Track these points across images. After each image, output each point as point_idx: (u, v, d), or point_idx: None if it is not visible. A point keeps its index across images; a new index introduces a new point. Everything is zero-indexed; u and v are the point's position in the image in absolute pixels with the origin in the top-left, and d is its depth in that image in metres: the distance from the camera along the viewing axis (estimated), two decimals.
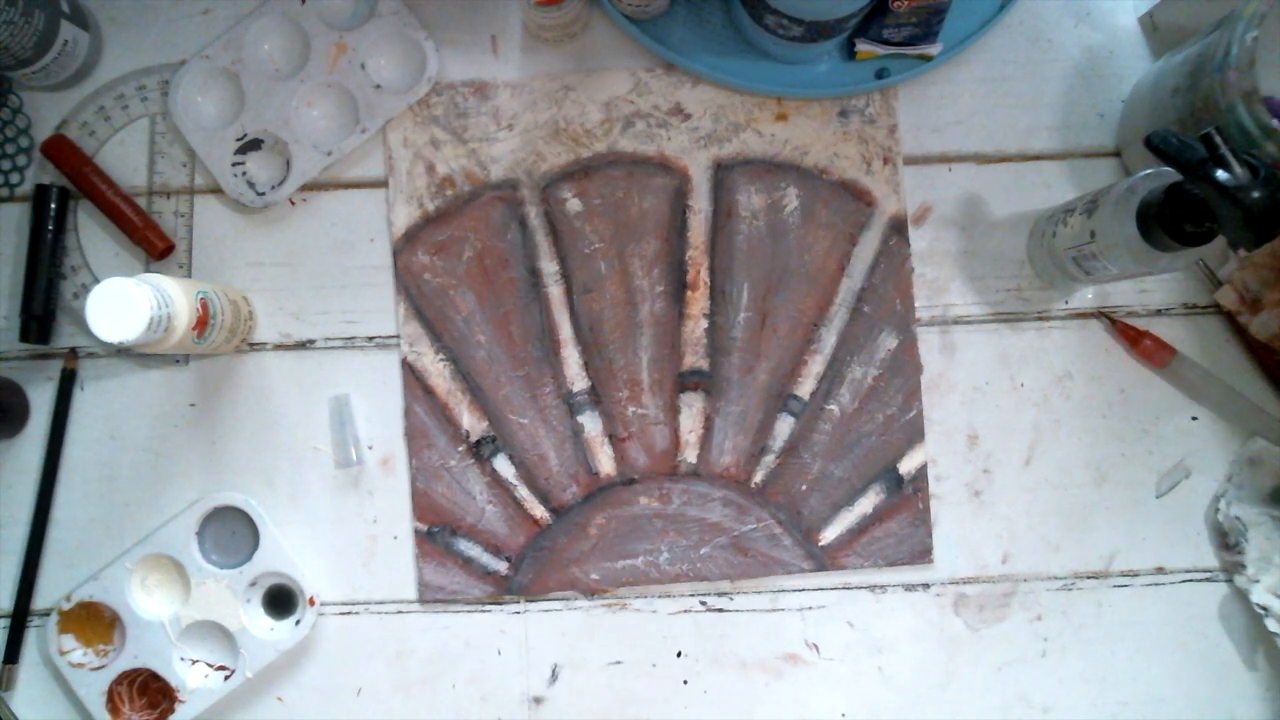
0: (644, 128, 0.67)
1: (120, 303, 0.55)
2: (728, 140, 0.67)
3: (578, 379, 0.67)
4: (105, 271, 0.68)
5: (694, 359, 0.67)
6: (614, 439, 0.67)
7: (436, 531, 0.66)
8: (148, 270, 0.68)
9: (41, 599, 0.67)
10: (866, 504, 0.66)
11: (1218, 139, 0.49)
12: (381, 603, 0.67)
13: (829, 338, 0.67)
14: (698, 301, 0.67)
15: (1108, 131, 0.68)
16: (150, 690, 0.65)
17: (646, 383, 0.66)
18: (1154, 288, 0.68)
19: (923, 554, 0.66)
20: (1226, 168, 0.49)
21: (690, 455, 0.66)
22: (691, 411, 0.66)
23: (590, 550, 0.66)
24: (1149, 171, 0.56)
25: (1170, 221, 0.53)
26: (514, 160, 0.67)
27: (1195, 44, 0.60)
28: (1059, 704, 0.66)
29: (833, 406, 0.66)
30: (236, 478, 0.67)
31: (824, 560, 0.66)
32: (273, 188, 0.68)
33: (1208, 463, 0.67)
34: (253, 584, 0.66)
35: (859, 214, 0.67)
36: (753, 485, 0.66)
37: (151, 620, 0.65)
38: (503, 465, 0.66)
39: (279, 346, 0.68)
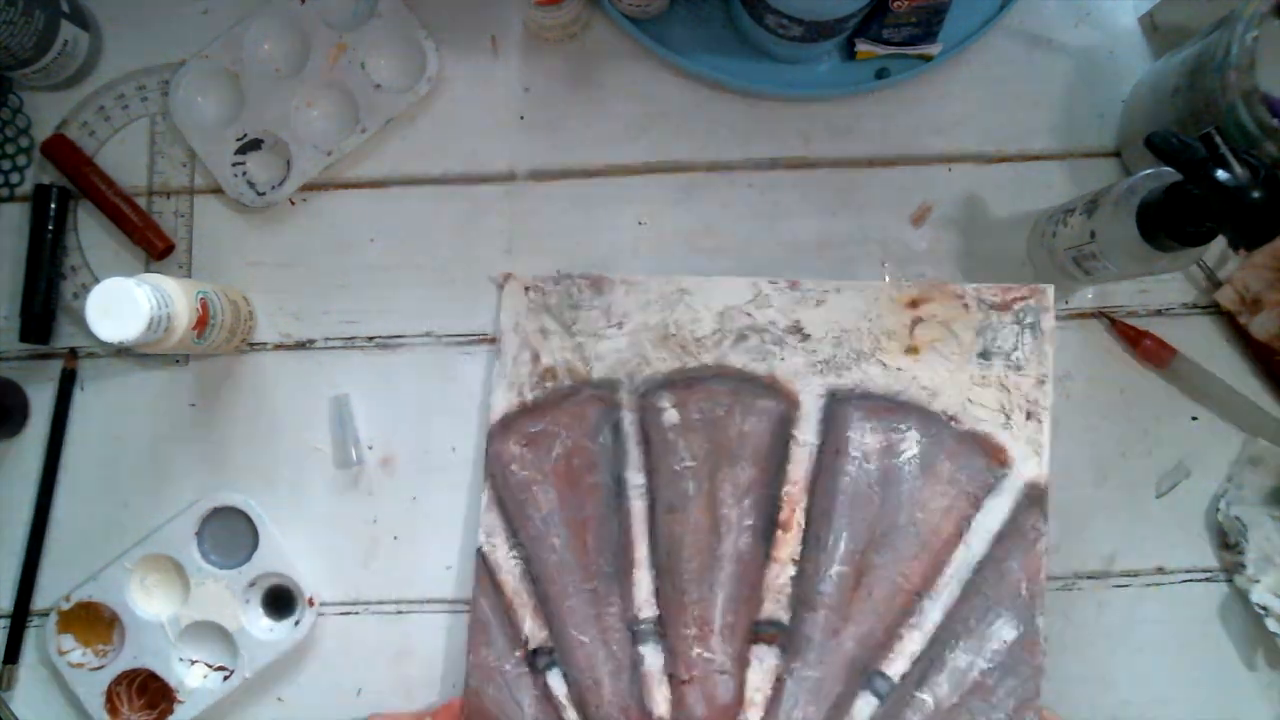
0: (757, 343, 0.62)
1: (120, 303, 0.55)
2: (847, 369, 0.61)
3: (645, 605, 0.61)
4: (105, 271, 0.68)
5: (774, 608, 0.60)
6: (674, 679, 0.61)
7: None
8: (148, 270, 0.68)
9: (41, 599, 0.67)
10: None
11: (1218, 139, 0.49)
12: (381, 603, 0.67)
13: (933, 612, 0.59)
14: (788, 544, 0.60)
15: (1108, 131, 0.68)
16: (149, 690, 0.65)
17: (718, 624, 0.61)
18: (1154, 288, 0.68)
19: None
20: (1226, 168, 0.49)
21: (754, 717, 0.60)
22: (762, 667, 0.60)
23: None
24: (1149, 171, 0.56)
25: (1170, 221, 0.53)
26: (618, 360, 0.63)
27: (1195, 44, 0.60)
28: (1059, 704, 0.66)
29: (926, 696, 0.58)
30: (236, 478, 0.67)
31: None
32: (273, 188, 0.68)
33: (1208, 463, 0.67)
34: (252, 584, 0.65)
35: (989, 474, 0.59)
36: None
37: (151, 620, 0.65)
38: (555, 681, 0.62)
39: (279, 346, 0.68)
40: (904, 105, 0.68)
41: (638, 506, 0.62)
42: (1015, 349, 0.61)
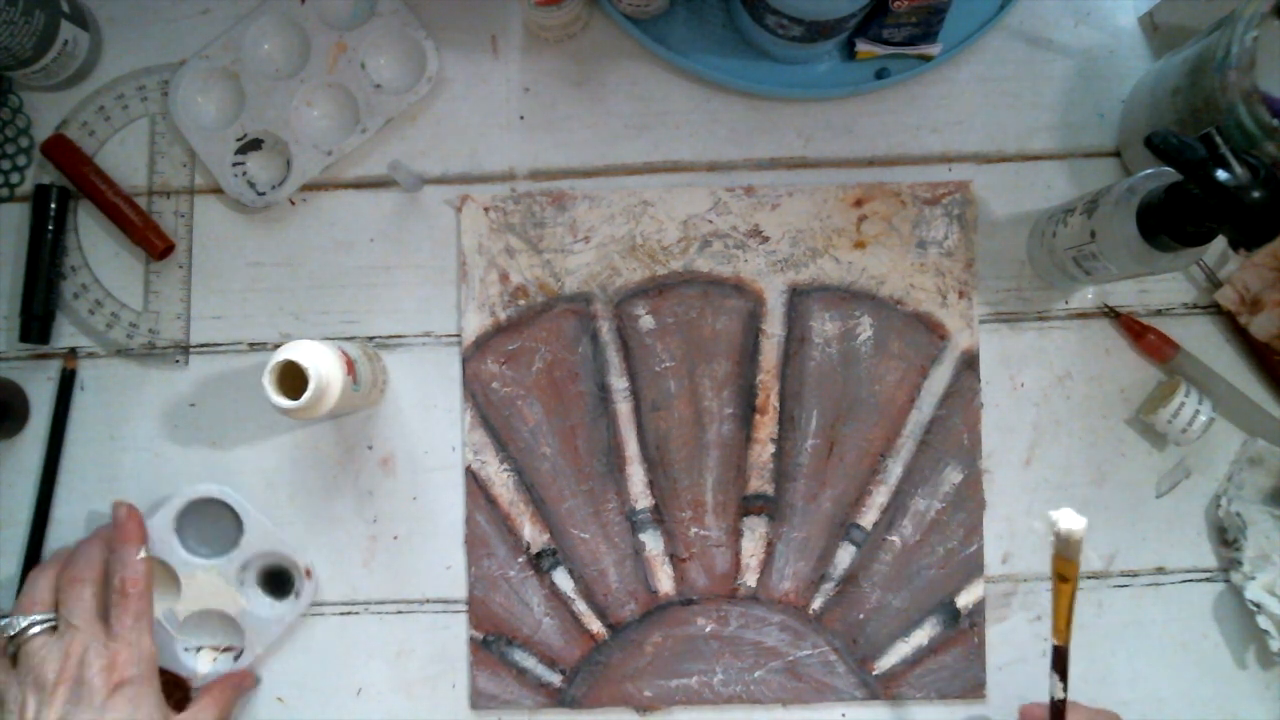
0: (721, 248, 0.67)
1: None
2: (805, 265, 0.67)
3: (641, 497, 0.66)
4: (105, 271, 0.68)
5: (759, 483, 0.66)
6: (674, 559, 0.66)
7: (492, 640, 0.66)
8: (148, 270, 0.68)
9: None
10: (922, 636, 0.66)
11: (1218, 139, 0.49)
12: (381, 603, 0.67)
13: (895, 469, 0.66)
14: (766, 426, 0.66)
15: (1108, 131, 0.68)
16: (162, 683, 0.65)
17: (710, 504, 0.66)
18: (1154, 288, 0.68)
19: (975, 689, 0.65)
20: (1226, 168, 0.49)
21: (750, 579, 0.66)
22: (754, 535, 0.66)
23: (645, 668, 0.66)
24: (1149, 171, 0.56)
25: (1170, 221, 0.53)
26: (589, 274, 0.67)
27: (1195, 44, 0.60)
28: None
29: (894, 538, 0.66)
30: (236, 478, 0.67)
31: (877, 690, 0.65)
32: (273, 188, 0.68)
33: (1208, 463, 0.67)
34: (244, 568, 0.65)
35: (931, 347, 0.66)
36: (810, 612, 0.66)
37: None
38: (562, 579, 0.66)
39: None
40: (904, 105, 0.68)
41: (624, 408, 0.67)
42: (946, 237, 0.67)
